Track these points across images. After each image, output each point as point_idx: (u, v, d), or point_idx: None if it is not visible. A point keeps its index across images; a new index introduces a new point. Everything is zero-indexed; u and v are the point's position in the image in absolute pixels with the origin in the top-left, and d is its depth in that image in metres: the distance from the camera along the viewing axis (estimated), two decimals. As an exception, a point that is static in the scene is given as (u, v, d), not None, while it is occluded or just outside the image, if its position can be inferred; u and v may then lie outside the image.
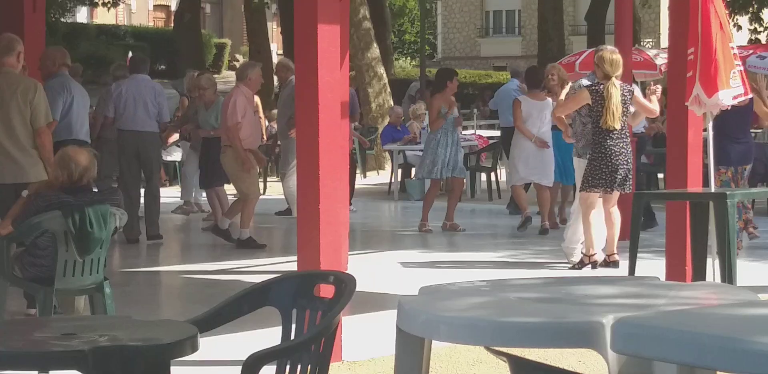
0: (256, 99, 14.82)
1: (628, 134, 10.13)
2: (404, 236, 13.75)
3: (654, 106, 10.20)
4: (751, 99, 10.56)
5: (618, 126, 9.95)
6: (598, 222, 10.15)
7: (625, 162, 10.02)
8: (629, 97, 10.03)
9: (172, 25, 39.36)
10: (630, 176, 10.14)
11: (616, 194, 10.10)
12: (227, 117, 11.61)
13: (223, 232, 12.03)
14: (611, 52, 10.10)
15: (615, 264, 10.16)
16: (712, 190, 8.66)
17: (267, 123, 22.08)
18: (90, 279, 6.71)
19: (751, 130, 14.15)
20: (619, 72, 10.03)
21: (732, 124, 10.81)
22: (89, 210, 6.54)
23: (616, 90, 9.89)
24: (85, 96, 10.00)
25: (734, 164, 10.86)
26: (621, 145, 10.01)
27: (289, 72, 14.54)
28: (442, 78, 13.22)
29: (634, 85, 10.55)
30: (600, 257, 10.22)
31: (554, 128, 12.66)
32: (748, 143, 11.12)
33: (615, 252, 10.20)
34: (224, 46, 46.08)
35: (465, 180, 14.59)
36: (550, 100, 12.63)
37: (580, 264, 10.18)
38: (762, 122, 11.78)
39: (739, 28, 27.84)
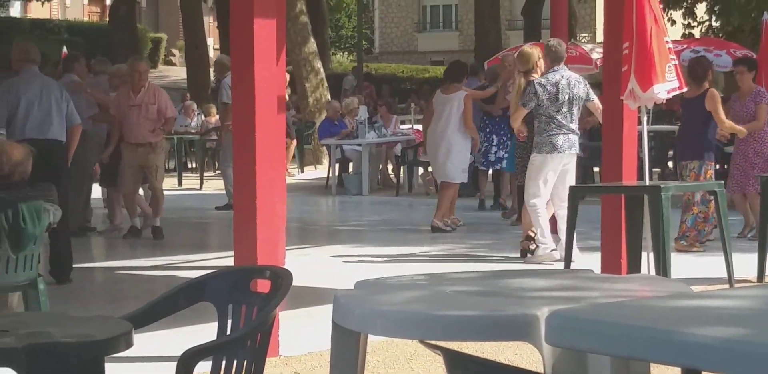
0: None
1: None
2: (341, 231, 13.75)
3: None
4: (706, 93, 10.65)
5: None
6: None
7: None
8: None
9: (108, 19, 39.00)
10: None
11: None
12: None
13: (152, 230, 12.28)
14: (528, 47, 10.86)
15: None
16: (647, 184, 8.73)
17: (203, 118, 22.03)
18: (23, 275, 6.63)
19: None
20: (522, 67, 10.74)
21: (684, 114, 10.94)
22: (22, 206, 6.46)
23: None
24: (49, 91, 9.57)
25: (675, 159, 10.99)
26: None
27: (225, 68, 14.49)
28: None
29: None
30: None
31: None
32: (690, 138, 10.90)
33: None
34: (160, 41, 45.80)
35: (403, 175, 14.62)
36: (457, 93, 12.56)
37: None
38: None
39: (673, 22, 28.07)
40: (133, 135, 12.19)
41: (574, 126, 10.30)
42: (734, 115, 11.58)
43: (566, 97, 10.23)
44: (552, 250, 10.21)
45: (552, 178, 10.29)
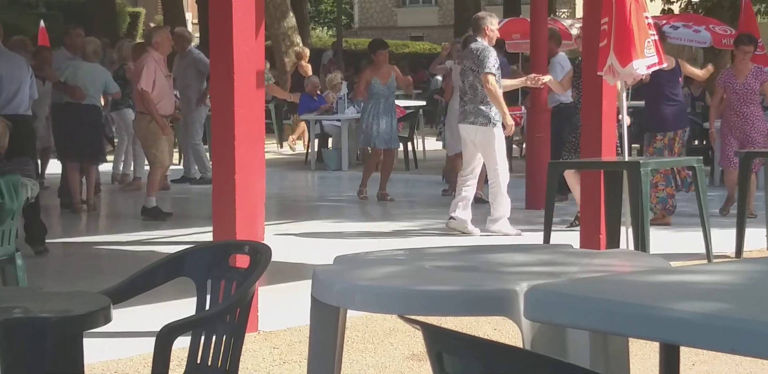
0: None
1: None
2: (321, 206, 13.74)
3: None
4: (678, 65, 10.83)
5: None
6: None
7: None
8: None
9: (86, -7, 38.70)
10: None
11: None
12: (137, 82, 11.56)
13: (150, 211, 11.78)
14: None
15: None
16: (626, 159, 8.74)
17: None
18: (1, 250, 6.61)
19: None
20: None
21: (665, 85, 10.94)
22: (0, 181, 6.43)
23: None
24: (20, 67, 9.60)
25: (671, 129, 10.96)
26: None
27: (186, 41, 14.40)
28: (371, 50, 13.49)
29: None
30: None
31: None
32: (681, 104, 11.27)
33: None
34: (138, 15, 45.50)
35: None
36: None
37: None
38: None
39: (653, -2, 28.05)
40: (167, 106, 11.77)
41: (467, 97, 10.35)
42: (737, 93, 11.62)
43: (460, 69, 10.60)
44: (449, 219, 10.58)
45: (466, 150, 10.48)
